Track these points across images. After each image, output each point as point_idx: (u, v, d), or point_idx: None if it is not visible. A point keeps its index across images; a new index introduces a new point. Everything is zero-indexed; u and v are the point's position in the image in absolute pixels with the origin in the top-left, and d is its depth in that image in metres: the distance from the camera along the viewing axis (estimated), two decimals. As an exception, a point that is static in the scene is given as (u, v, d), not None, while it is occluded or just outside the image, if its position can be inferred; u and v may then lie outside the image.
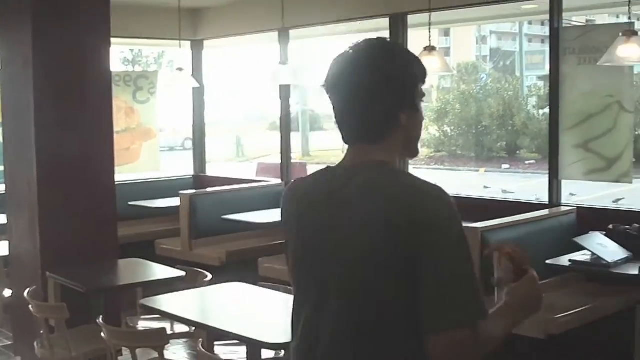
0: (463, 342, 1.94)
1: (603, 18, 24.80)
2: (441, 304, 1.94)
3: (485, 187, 20.40)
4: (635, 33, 5.08)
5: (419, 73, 2.14)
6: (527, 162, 25.68)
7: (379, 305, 2.01)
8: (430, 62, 6.25)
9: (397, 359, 2.03)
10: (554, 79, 6.23)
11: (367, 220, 2.00)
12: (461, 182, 20.43)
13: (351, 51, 2.14)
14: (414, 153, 2.18)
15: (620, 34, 5.10)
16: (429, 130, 29.99)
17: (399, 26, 7.36)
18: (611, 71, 5.83)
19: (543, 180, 6.75)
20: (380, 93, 2.07)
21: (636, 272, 4.90)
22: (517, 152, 27.14)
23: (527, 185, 19.81)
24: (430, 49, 6.28)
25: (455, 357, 1.98)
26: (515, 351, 4.17)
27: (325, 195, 2.11)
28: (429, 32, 6.40)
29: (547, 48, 6.67)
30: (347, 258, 2.04)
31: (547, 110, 17.01)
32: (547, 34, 6.40)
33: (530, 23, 47.52)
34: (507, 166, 26.02)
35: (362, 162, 2.09)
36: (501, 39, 48.74)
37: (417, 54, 6.81)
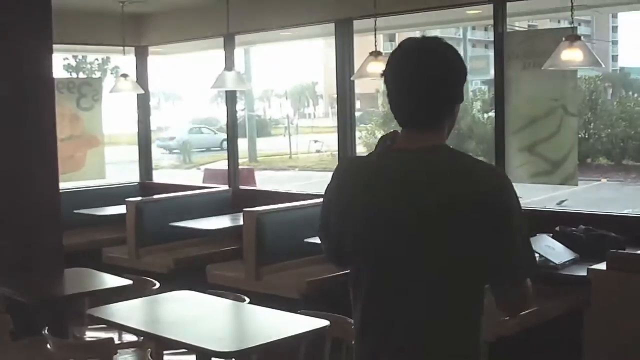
0: (527, 293, 2.38)
1: (544, 23, 25.15)
2: (509, 261, 2.32)
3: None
4: (578, 37, 5.15)
5: (466, 72, 2.45)
6: (473, 166, 25.89)
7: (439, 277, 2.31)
8: (376, 67, 6.27)
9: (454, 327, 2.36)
10: (499, 84, 6.27)
11: (444, 191, 2.28)
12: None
13: (414, 46, 2.41)
14: (447, 137, 2.46)
15: (564, 39, 5.16)
16: (376, 135, 30.08)
17: (344, 31, 7.37)
18: (555, 75, 5.89)
19: (489, 184, 6.78)
20: (450, 85, 2.39)
21: (584, 274, 4.95)
22: (463, 155, 27.36)
23: (473, 188, 19.95)
24: (376, 54, 6.30)
25: (519, 307, 2.46)
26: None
27: (396, 174, 2.37)
28: (375, 37, 6.42)
29: (490, 53, 6.73)
30: (424, 225, 2.30)
31: (491, 114, 17.12)
32: (491, 39, 6.45)
33: (473, 28, 48.03)
34: (453, 170, 26.19)
35: (431, 146, 2.37)
36: (445, 44, 49.10)
37: (363, 59, 6.83)
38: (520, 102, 6.20)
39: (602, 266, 4.81)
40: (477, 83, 38.14)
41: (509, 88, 6.23)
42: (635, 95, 29.46)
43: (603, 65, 5.52)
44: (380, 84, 36.88)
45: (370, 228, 2.38)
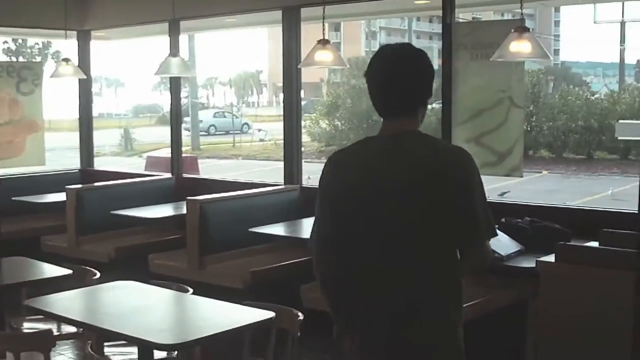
0: (487, 252, 2.89)
1: (488, 16, 25.38)
2: (473, 225, 2.80)
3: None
4: (527, 29, 5.13)
5: (434, 71, 2.97)
6: (416, 156, 25.98)
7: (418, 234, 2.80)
8: (324, 56, 6.21)
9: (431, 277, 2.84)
10: (447, 74, 6.25)
11: (420, 167, 2.80)
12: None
13: (397, 51, 2.97)
14: (420, 125, 2.97)
15: (513, 30, 5.14)
16: (320, 124, 30.06)
17: (292, 19, 7.29)
18: (502, 67, 5.89)
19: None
20: (425, 82, 2.93)
21: (529, 265, 4.95)
22: (407, 146, 27.46)
23: (416, 179, 20.05)
24: (324, 42, 6.22)
25: (482, 264, 2.92)
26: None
27: (379, 156, 2.87)
28: (323, 25, 6.34)
29: (435, 44, 6.75)
30: (404, 196, 2.79)
31: (435, 105, 17.21)
32: (435, 30, 6.48)
33: (418, 20, 48.26)
34: (397, 160, 26.29)
35: (405, 131, 2.89)
36: (390, 35, 49.40)
37: (310, 47, 6.75)
38: (467, 93, 6.20)
39: (551, 258, 4.82)
40: (421, 74, 38.28)
41: (456, 79, 6.21)
42: (576, 89, 29.80)
43: (551, 58, 5.56)
44: (325, 74, 36.86)
45: (358, 202, 2.86)
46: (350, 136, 27.73)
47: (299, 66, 7.01)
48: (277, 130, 7.56)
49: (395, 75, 2.89)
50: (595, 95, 28.43)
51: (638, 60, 43.65)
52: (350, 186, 2.89)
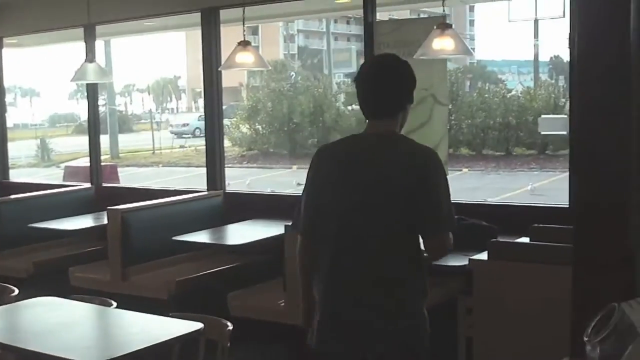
0: (448, 243, 3.27)
1: (404, 15, 25.54)
2: (438, 217, 3.22)
3: (299, 184, 20.42)
4: (449, 26, 5.12)
5: (415, 80, 3.38)
6: (338, 158, 25.95)
7: (395, 221, 3.22)
8: (245, 57, 6.13)
9: (404, 259, 3.27)
10: (369, 74, 6.20)
11: (395, 164, 3.23)
12: (274, 179, 20.46)
13: (383, 61, 3.52)
14: (401, 129, 3.39)
15: (435, 27, 5.12)
16: (241, 129, 29.87)
17: (211, 21, 7.16)
18: (425, 65, 5.85)
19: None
20: (404, 89, 3.35)
21: (458, 263, 4.92)
22: (329, 148, 27.43)
23: (339, 180, 20.02)
24: (244, 43, 6.13)
25: (442, 252, 3.37)
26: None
27: (362, 152, 3.31)
28: (244, 26, 6.27)
29: (353, 46, 6.74)
30: (380, 188, 3.21)
31: (355, 106, 17.16)
32: (353, 32, 6.46)
33: (335, 21, 48.48)
34: (319, 162, 26.24)
35: (384, 131, 3.30)
36: (309, 37, 49.44)
37: (229, 51, 6.66)
38: (390, 92, 6.15)
39: (484, 256, 4.79)
40: (341, 76, 38.44)
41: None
42: (493, 86, 30.21)
43: (474, 54, 5.56)
44: (244, 77, 36.72)
45: (340, 190, 3.26)
46: (271, 140, 27.62)
47: (219, 69, 6.89)
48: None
49: (380, 82, 3.32)
50: (512, 93, 28.85)
51: (551, 57, 44.51)
52: (332, 178, 3.29)
